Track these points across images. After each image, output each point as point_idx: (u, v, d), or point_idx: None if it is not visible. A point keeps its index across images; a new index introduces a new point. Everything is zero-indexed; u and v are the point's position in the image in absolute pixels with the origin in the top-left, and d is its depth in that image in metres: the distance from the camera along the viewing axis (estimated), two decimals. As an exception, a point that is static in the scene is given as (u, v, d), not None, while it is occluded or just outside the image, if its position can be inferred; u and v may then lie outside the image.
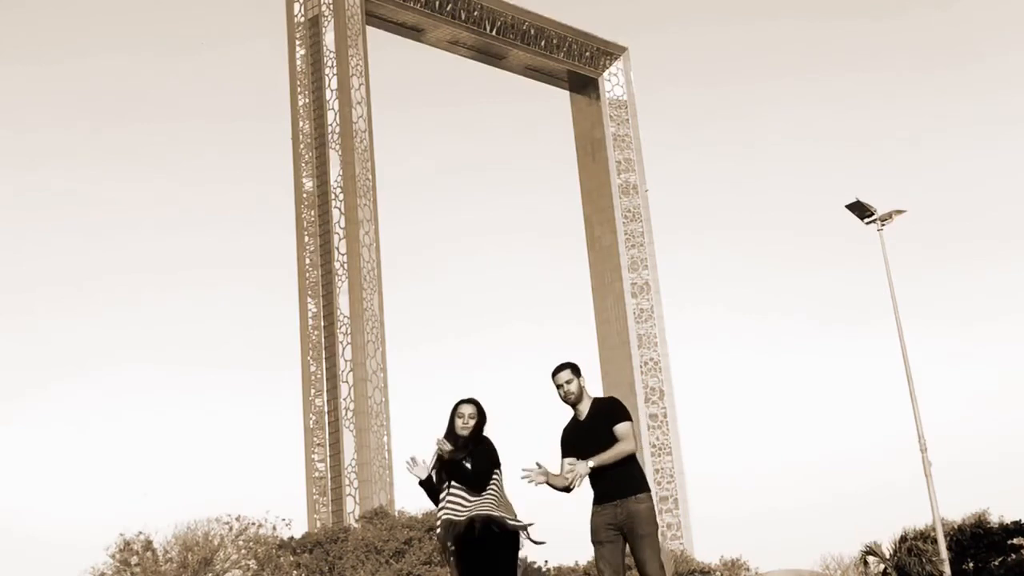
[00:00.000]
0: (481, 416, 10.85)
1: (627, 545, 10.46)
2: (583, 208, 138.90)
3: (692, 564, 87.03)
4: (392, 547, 65.76)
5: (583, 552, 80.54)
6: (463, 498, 10.83)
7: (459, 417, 10.77)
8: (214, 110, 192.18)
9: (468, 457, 10.74)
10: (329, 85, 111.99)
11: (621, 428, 10.30)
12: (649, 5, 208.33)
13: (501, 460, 10.98)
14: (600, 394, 10.86)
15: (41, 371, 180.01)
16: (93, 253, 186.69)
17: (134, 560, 62.71)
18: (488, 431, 11.10)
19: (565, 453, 10.45)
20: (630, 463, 10.39)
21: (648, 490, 10.50)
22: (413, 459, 11.09)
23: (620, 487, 10.37)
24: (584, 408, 10.55)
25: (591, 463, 10.14)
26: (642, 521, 10.31)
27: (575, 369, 10.61)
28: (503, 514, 10.91)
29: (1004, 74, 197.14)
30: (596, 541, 10.49)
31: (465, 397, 10.92)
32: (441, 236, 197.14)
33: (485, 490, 10.82)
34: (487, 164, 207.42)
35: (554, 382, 10.58)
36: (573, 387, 10.49)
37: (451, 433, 10.77)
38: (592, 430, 10.37)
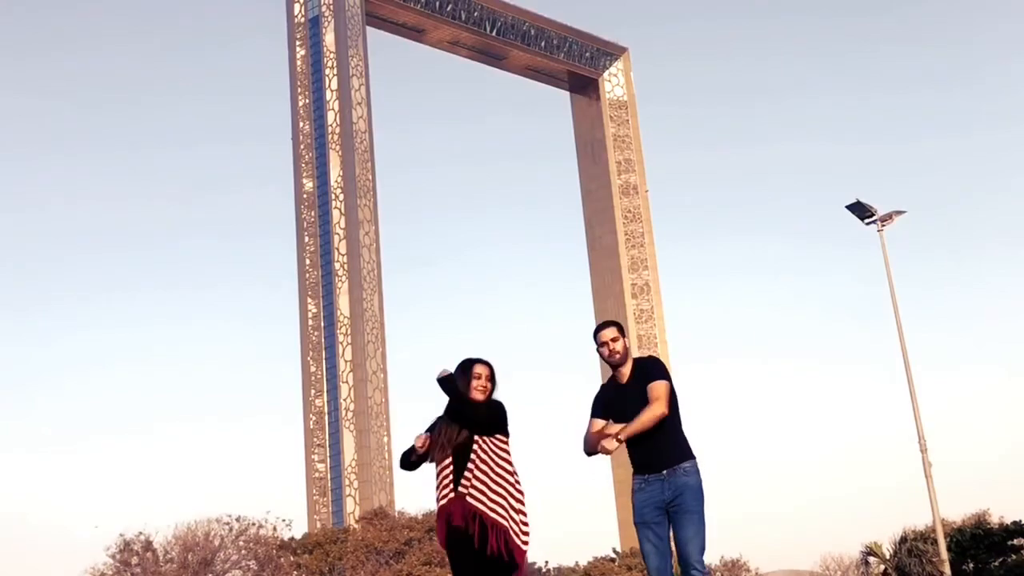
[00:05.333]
0: (495, 380, 9.47)
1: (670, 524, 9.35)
2: (583, 209, 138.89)
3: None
4: (392, 548, 65.75)
5: (583, 552, 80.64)
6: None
7: (476, 378, 9.32)
8: (214, 110, 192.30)
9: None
10: (329, 85, 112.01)
11: (653, 387, 9.20)
12: (649, 5, 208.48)
13: None
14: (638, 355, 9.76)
15: (42, 371, 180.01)
16: (93, 253, 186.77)
17: (134, 560, 62.67)
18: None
19: (600, 415, 9.41)
20: (672, 427, 9.31)
21: (694, 457, 9.37)
22: None
23: (665, 455, 9.26)
24: (626, 371, 9.47)
25: (621, 435, 9.05)
26: (692, 494, 9.22)
27: (620, 328, 9.58)
28: None
29: (1005, 74, 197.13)
30: (642, 522, 9.30)
31: (474, 357, 9.52)
32: (441, 236, 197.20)
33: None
34: (487, 165, 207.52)
35: (597, 340, 9.51)
36: (619, 346, 9.39)
37: (459, 398, 9.26)
38: (636, 392, 9.30)
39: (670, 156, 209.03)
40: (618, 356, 9.43)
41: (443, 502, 9.18)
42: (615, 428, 9.16)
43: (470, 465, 9.14)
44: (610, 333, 9.47)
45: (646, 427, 9.11)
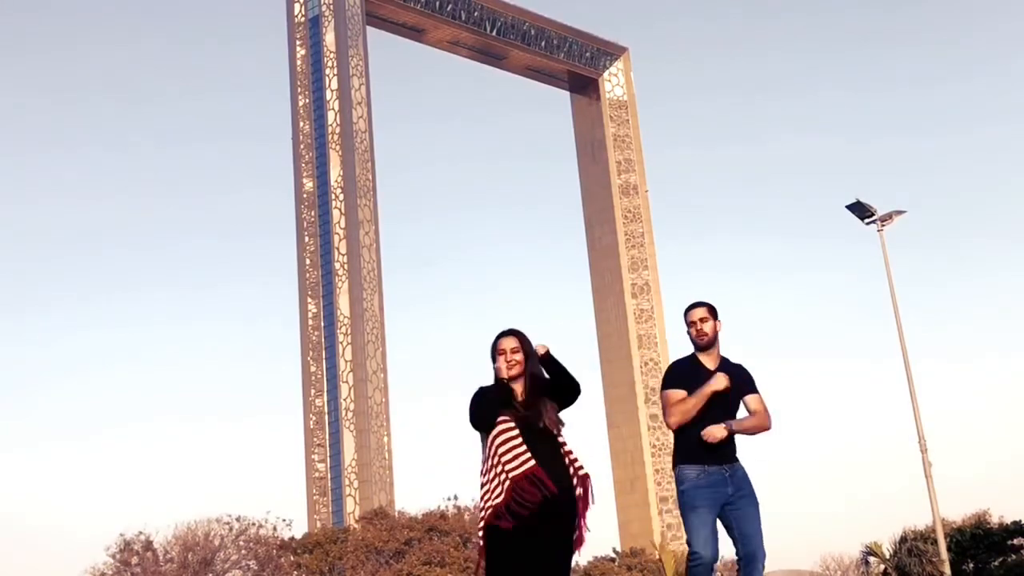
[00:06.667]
0: (528, 347, 8.04)
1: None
2: (583, 209, 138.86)
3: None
4: (392, 548, 65.71)
5: (583, 552, 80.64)
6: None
7: (500, 354, 7.88)
8: (214, 110, 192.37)
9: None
10: (329, 85, 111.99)
11: (756, 399, 9.06)
12: (649, 5, 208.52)
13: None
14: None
15: (42, 371, 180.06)
16: (93, 253, 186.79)
17: (134, 560, 62.67)
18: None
19: (679, 387, 8.94)
20: None
21: None
22: None
23: (732, 449, 9.05)
24: (711, 361, 9.10)
25: (731, 426, 8.83)
26: (753, 488, 8.98)
27: (713, 310, 9.18)
28: None
29: (1005, 73, 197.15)
30: (701, 506, 8.79)
31: (503, 330, 8.13)
32: (441, 236, 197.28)
33: None
34: (487, 165, 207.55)
35: (686, 319, 9.15)
36: (708, 327, 9.04)
37: (499, 384, 7.88)
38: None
39: (670, 156, 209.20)
40: (706, 338, 9.12)
41: (530, 463, 7.51)
42: (719, 428, 8.79)
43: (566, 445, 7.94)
44: (699, 313, 9.16)
45: (749, 433, 9.03)
